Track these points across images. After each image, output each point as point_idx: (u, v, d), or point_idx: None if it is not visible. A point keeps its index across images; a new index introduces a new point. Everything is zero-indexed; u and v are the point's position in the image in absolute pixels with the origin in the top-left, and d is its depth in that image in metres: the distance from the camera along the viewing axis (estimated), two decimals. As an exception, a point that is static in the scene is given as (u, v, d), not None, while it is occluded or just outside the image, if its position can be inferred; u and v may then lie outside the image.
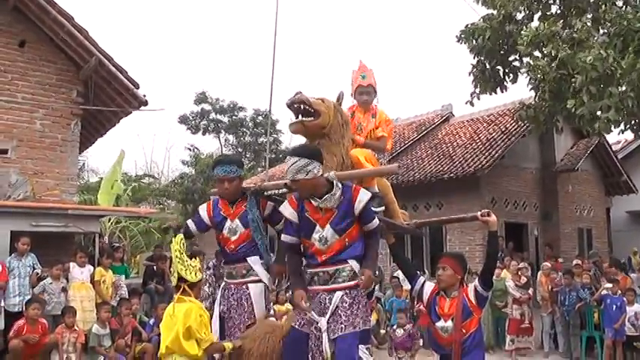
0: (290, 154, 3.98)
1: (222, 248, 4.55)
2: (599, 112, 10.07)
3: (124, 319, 8.01)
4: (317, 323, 3.91)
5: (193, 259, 4.15)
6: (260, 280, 4.43)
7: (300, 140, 4.46)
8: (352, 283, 3.91)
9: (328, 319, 3.86)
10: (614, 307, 9.03)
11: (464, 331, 4.05)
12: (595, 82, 9.89)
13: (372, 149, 4.63)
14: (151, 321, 8.51)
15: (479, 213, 4.28)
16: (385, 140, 4.76)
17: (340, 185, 3.96)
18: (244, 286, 4.42)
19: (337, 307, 3.86)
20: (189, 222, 4.71)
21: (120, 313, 8.08)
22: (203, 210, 4.66)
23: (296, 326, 4.07)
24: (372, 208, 4.16)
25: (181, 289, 3.99)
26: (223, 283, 4.60)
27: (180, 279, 3.99)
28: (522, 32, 11.05)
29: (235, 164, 4.47)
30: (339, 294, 3.89)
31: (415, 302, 9.75)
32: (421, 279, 4.41)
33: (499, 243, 4.21)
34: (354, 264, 3.94)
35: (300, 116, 4.10)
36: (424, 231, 14.02)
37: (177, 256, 3.99)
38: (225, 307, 4.51)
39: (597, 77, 9.78)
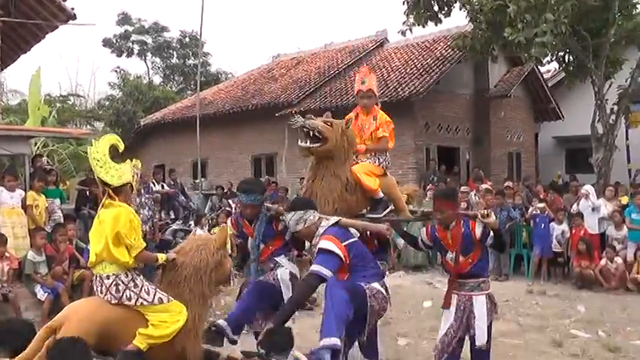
0: (287, 210, 4.47)
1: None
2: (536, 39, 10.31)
3: (59, 246, 7.77)
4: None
5: (123, 163, 3.94)
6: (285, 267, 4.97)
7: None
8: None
9: None
10: (543, 225, 9.58)
11: (470, 260, 4.37)
12: (530, 10, 10.12)
13: (375, 152, 4.99)
14: (88, 247, 8.28)
15: (479, 213, 4.48)
16: (386, 140, 5.05)
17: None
18: (272, 273, 4.91)
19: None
20: None
21: (55, 239, 7.83)
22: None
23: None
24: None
25: (106, 194, 3.79)
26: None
27: (104, 183, 3.78)
28: None
29: (259, 193, 4.92)
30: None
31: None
32: (419, 238, 4.77)
33: (503, 239, 4.59)
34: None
35: (308, 142, 4.47)
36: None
37: (95, 158, 3.76)
38: None
39: (531, 5, 9.99)
